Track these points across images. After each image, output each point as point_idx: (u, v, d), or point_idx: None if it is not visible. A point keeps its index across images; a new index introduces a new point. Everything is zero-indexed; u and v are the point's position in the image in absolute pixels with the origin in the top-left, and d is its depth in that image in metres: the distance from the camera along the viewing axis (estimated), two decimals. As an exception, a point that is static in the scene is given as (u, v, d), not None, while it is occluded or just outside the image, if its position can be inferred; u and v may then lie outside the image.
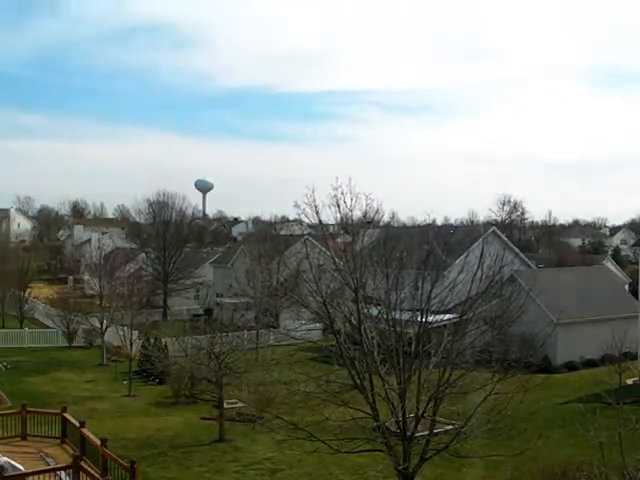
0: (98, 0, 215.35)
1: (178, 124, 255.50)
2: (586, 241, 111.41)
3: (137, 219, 75.32)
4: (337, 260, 17.61)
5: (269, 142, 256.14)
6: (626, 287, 59.66)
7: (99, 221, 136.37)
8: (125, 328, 38.01)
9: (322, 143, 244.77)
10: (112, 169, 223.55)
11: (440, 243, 22.33)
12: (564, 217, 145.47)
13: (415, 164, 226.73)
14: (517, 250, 51.03)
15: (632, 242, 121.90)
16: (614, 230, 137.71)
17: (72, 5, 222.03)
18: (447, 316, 16.88)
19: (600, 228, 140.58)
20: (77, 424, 19.55)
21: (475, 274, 15.89)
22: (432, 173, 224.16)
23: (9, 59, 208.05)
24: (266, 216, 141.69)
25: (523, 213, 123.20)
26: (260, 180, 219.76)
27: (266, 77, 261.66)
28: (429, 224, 51.38)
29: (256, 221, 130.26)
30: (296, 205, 16.69)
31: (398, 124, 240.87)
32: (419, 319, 15.95)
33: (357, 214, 17.04)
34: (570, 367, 36.77)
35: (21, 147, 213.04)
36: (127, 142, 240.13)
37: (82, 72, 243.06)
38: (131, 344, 34.66)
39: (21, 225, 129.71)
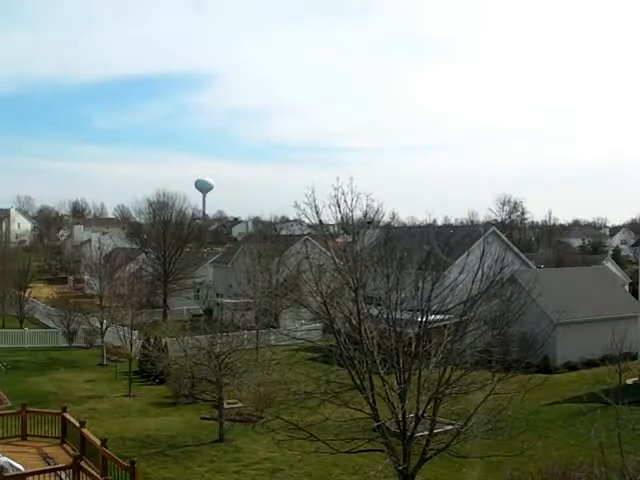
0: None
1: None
2: (586, 241, 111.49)
3: (137, 219, 75.32)
4: (337, 260, 17.59)
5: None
6: (626, 287, 59.74)
7: (99, 221, 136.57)
8: (125, 328, 37.98)
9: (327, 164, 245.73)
10: (113, 171, 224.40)
11: (440, 243, 22.26)
12: (564, 217, 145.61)
13: (417, 176, 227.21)
14: (517, 250, 51.04)
15: (632, 242, 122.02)
16: (614, 230, 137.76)
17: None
18: (447, 316, 16.85)
19: (600, 228, 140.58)
20: (77, 424, 19.54)
21: (476, 274, 15.87)
22: (432, 179, 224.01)
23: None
24: (266, 216, 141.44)
25: (523, 213, 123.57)
26: (261, 182, 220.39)
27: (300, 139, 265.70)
28: (429, 224, 51.26)
29: (256, 221, 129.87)
30: (296, 205, 16.71)
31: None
32: (419, 319, 15.94)
33: (357, 214, 17.02)
34: (570, 367, 36.79)
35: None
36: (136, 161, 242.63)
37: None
38: (131, 344, 34.64)
39: (21, 225, 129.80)
